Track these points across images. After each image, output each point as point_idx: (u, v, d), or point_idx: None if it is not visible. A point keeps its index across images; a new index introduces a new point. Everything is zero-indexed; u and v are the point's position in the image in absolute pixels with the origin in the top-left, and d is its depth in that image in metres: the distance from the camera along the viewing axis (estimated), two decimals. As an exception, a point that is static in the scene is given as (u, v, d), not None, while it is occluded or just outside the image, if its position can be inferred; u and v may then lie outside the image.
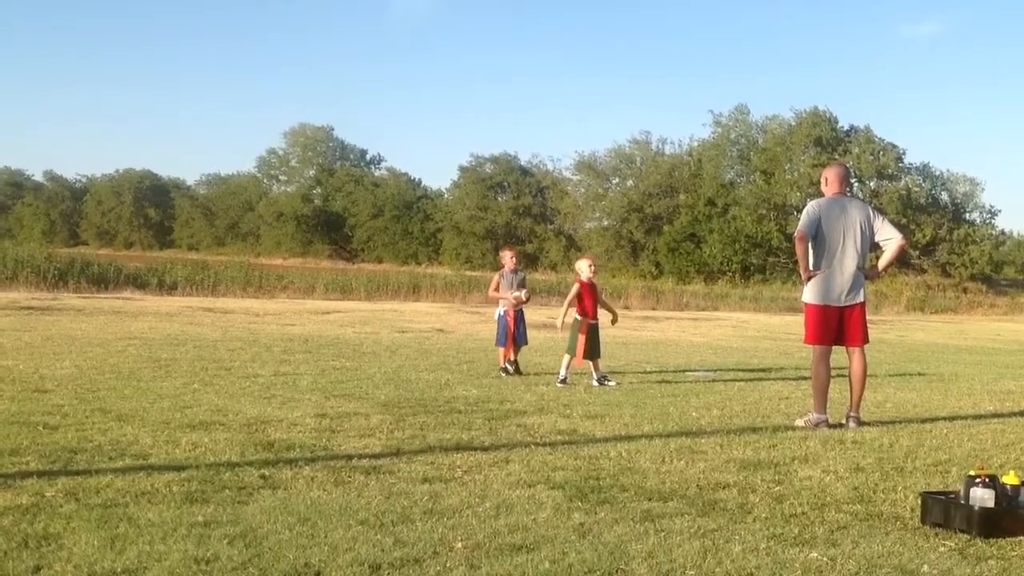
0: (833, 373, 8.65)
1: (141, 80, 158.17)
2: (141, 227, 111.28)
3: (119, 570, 3.88)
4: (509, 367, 11.95)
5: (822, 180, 8.96)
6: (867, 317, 8.86)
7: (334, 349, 14.42)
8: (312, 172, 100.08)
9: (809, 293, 8.65)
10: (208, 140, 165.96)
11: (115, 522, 4.52)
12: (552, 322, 16.26)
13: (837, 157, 59.19)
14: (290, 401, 8.72)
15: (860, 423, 8.45)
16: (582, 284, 11.50)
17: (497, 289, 12.59)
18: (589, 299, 11.45)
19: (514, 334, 12.17)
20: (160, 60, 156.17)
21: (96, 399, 8.36)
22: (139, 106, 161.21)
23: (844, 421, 8.49)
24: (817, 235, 8.54)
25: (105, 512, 4.69)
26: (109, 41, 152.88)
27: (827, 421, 8.38)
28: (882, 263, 9.07)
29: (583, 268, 11.66)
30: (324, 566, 3.98)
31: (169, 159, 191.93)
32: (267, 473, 5.65)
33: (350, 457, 6.21)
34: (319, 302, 29.66)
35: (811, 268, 8.57)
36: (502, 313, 12.36)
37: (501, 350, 12.19)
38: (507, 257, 12.82)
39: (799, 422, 8.43)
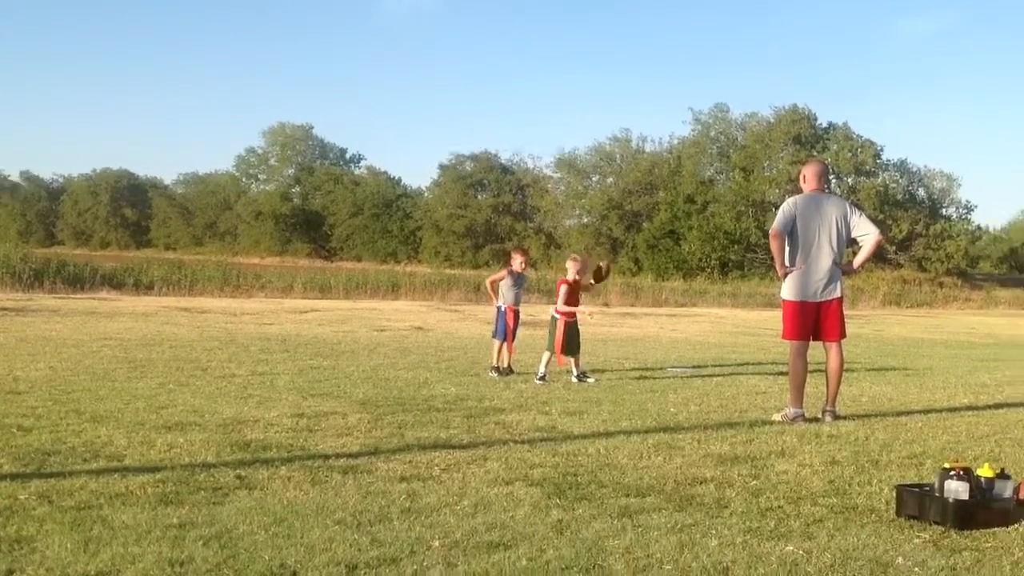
0: (810, 368, 8.69)
1: (118, 79, 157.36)
2: (118, 227, 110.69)
3: (93, 573, 3.85)
4: (501, 368, 11.81)
5: (800, 177, 9.00)
6: (844, 312, 8.90)
7: (312, 348, 14.37)
8: (291, 171, 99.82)
9: (787, 289, 8.70)
10: (186, 139, 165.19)
11: (89, 524, 4.49)
12: (531, 319, 16.28)
13: (815, 154, 59.44)
14: (267, 401, 8.69)
15: (836, 417, 8.50)
16: (567, 283, 11.49)
17: (495, 284, 12.44)
18: (573, 297, 11.46)
19: (513, 331, 12.08)
20: (137, 59, 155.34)
21: (70, 400, 8.30)
22: (116, 105, 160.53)
23: (820, 415, 8.54)
24: (793, 232, 8.58)
25: (79, 514, 4.66)
26: (85, 40, 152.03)
27: (804, 415, 8.42)
28: (858, 259, 9.12)
29: (568, 268, 11.74)
30: (300, 567, 3.96)
31: (146, 158, 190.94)
32: (243, 474, 5.63)
33: (327, 456, 6.19)
34: (297, 301, 29.53)
35: (787, 264, 8.61)
36: (503, 308, 12.25)
37: (496, 344, 12.11)
38: (516, 261, 12.70)
39: (776, 416, 8.46)
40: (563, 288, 11.49)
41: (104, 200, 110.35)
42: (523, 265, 12.61)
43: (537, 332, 16.21)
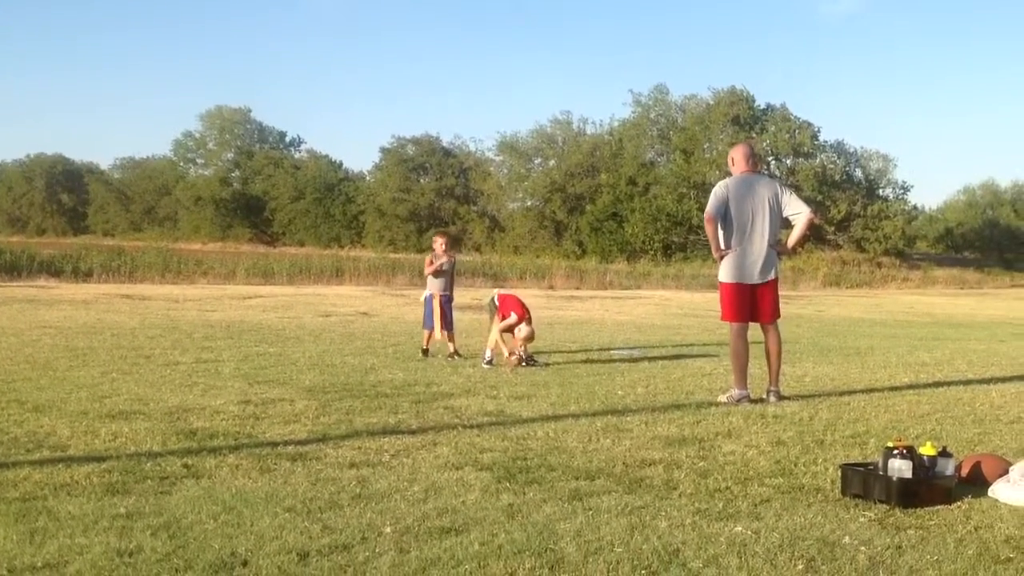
0: (753, 352, 8.79)
1: (51, 63, 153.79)
2: (54, 213, 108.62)
3: (40, 564, 3.80)
4: (429, 351, 12.03)
5: (729, 160, 9.08)
6: (783, 293, 9.00)
7: (257, 335, 14.26)
8: (230, 155, 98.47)
9: (724, 272, 8.78)
10: (122, 123, 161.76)
11: (34, 515, 4.43)
12: (476, 303, 16.30)
13: (754, 135, 60.04)
14: (212, 388, 8.60)
15: (780, 397, 8.61)
16: (515, 315, 11.29)
17: (431, 265, 12.57)
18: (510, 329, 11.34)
19: (445, 318, 12.17)
20: (69, 41, 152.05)
21: (11, 390, 8.16)
22: (49, 89, 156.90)
23: (765, 395, 8.64)
24: (727, 215, 8.65)
25: (23, 505, 4.59)
26: (13, 24, 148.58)
27: (748, 396, 8.51)
28: (792, 239, 9.10)
29: (522, 324, 11.25)
30: (251, 555, 3.94)
31: (81, 143, 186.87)
32: (190, 462, 5.58)
33: (275, 444, 6.15)
34: (240, 287, 29.26)
35: (722, 247, 8.69)
36: (429, 296, 12.40)
37: (426, 332, 12.21)
38: (437, 244, 12.83)
39: (722, 398, 8.55)
40: (512, 317, 11.24)
41: (39, 186, 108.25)
42: (444, 247, 12.71)
43: (483, 316, 16.23)
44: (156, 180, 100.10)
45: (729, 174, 9.04)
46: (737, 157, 8.91)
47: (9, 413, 7.07)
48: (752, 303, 8.75)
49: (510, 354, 11.10)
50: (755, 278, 8.68)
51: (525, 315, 11.20)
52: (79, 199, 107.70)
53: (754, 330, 8.85)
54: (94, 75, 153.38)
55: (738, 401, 8.42)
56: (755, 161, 9.21)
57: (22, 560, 3.84)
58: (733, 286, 8.72)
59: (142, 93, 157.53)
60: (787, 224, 9.03)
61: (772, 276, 8.77)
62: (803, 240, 9.38)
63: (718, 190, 8.78)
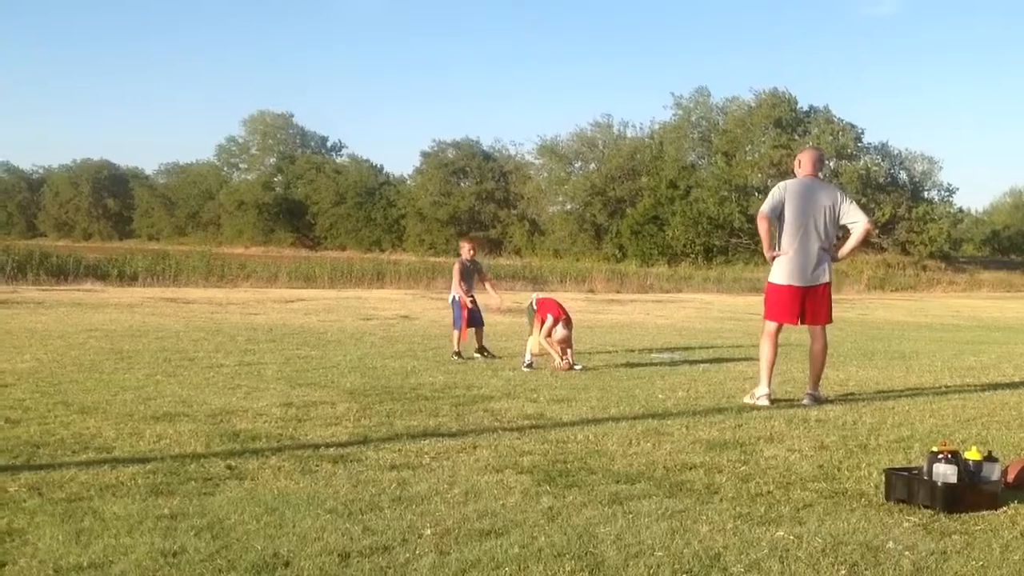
0: (797, 355, 8.72)
1: (97, 69, 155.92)
2: (100, 218, 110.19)
3: (85, 564, 3.84)
4: (468, 352, 12.13)
5: (795, 162, 9.05)
6: (832, 296, 8.96)
7: (299, 338, 14.35)
8: (273, 160, 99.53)
9: (776, 273, 8.76)
10: (166, 129, 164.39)
11: (80, 516, 4.48)
12: (516, 306, 16.30)
13: (797, 138, 59.69)
14: (255, 391, 8.67)
15: (817, 401, 8.54)
16: (551, 317, 11.27)
17: (462, 277, 12.74)
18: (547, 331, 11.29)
19: (471, 317, 12.32)
20: (115, 48, 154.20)
21: (58, 392, 8.27)
22: (95, 95, 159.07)
23: (804, 399, 8.58)
24: (782, 216, 8.63)
25: (70, 506, 4.65)
26: (61, 30, 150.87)
27: (769, 395, 8.47)
28: (845, 248, 9.02)
29: (560, 325, 11.28)
30: (293, 556, 3.96)
31: (127, 148, 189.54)
32: (233, 464, 5.62)
33: (317, 446, 6.19)
34: (282, 291, 29.49)
35: (775, 249, 8.67)
36: (456, 298, 12.54)
37: (456, 333, 12.32)
38: (465, 249, 13.16)
39: (746, 399, 8.53)
40: (549, 320, 11.23)
41: (85, 191, 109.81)
42: (472, 252, 13.08)
43: (521, 319, 16.23)
44: (200, 185, 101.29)
45: (786, 174, 9.01)
46: (805, 160, 8.91)
47: (56, 415, 7.17)
48: (803, 306, 8.71)
49: (562, 359, 11.04)
50: (806, 280, 8.66)
51: (562, 315, 11.18)
52: (124, 204, 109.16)
53: (800, 332, 8.79)
54: (140, 81, 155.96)
55: (758, 399, 8.41)
56: (821, 169, 9.19)
57: (68, 560, 3.89)
58: (783, 288, 8.70)
59: (186, 99, 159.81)
60: (844, 231, 9.01)
61: (825, 279, 8.74)
62: (856, 249, 9.32)
63: (776, 190, 8.78)
